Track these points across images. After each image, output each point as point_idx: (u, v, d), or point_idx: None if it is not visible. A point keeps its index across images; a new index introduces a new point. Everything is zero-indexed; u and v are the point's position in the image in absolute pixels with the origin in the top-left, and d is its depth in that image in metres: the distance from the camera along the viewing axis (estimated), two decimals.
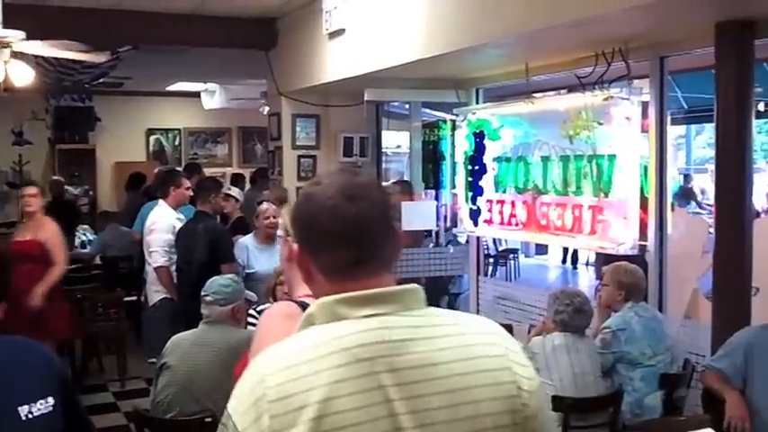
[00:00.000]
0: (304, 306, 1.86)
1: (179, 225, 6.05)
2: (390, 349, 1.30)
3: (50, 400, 1.73)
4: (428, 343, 1.32)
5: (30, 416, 1.69)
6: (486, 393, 1.32)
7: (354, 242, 1.36)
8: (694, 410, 4.18)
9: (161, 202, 6.36)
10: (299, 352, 1.31)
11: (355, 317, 1.32)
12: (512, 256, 11.82)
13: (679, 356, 4.47)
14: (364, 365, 1.28)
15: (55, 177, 11.04)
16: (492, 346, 1.38)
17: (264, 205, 6.08)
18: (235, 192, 7.60)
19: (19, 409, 1.68)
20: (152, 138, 13.04)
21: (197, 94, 11.47)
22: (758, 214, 8.22)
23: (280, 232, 2.26)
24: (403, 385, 1.28)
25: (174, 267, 5.99)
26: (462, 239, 7.43)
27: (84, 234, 9.73)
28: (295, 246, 1.45)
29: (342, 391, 1.26)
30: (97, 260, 8.67)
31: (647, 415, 4.11)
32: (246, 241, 5.99)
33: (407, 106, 7.93)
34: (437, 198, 8.81)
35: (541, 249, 13.49)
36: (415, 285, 1.39)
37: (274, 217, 5.89)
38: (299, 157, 7.75)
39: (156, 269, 6.08)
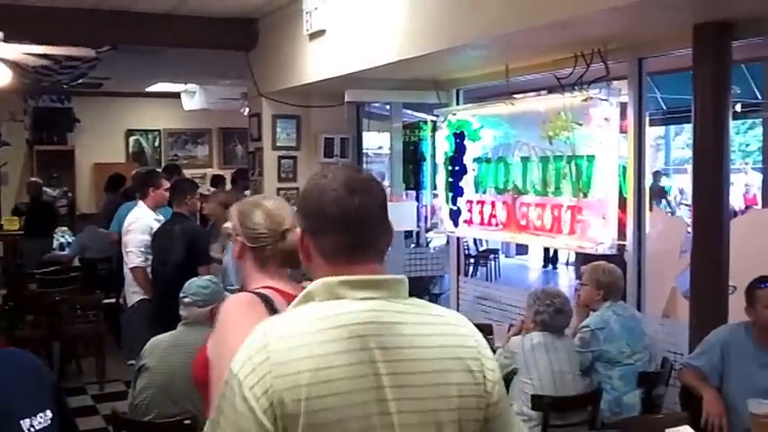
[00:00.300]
0: (261, 296, 2.12)
1: (157, 226, 6.02)
2: (382, 329, 1.47)
3: (48, 414, 1.71)
4: (413, 328, 1.50)
5: (32, 429, 1.67)
6: (456, 377, 1.51)
7: (353, 230, 1.53)
8: (673, 408, 4.21)
9: (140, 202, 6.33)
10: (302, 323, 1.47)
11: (353, 298, 1.49)
12: (492, 256, 11.87)
13: (657, 355, 4.51)
14: (359, 341, 1.45)
15: (33, 179, 10.94)
16: (465, 338, 1.57)
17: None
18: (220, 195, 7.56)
19: (21, 422, 1.66)
20: (131, 139, 12.96)
21: (177, 95, 11.41)
22: (735, 214, 8.30)
23: (230, 231, 2.38)
24: (391, 362, 1.46)
25: (150, 269, 5.96)
26: (442, 241, 7.45)
27: (63, 236, 9.66)
28: (298, 230, 1.62)
29: (337, 362, 1.43)
30: (76, 262, 8.61)
31: (625, 413, 4.13)
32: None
33: (388, 107, 7.94)
34: (418, 199, 8.81)
35: (522, 250, 13.55)
36: (403, 276, 1.57)
37: None
38: (280, 157, 7.73)
39: (131, 269, 6.06)
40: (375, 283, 1.52)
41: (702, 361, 3.85)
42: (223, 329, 2.08)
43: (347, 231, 1.53)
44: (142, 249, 6.00)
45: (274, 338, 1.45)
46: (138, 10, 6.97)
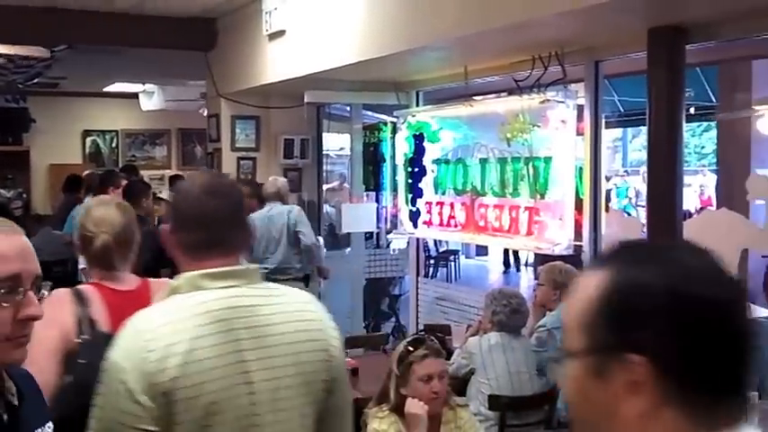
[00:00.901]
0: (76, 291, 2.40)
1: None
2: (242, 312, 1.72)
3: (50, 425, 1.71)
4: (269, 308, 1.77)
5: None
6: (306, 347, 1.79)
7: (210, 228, 1.77)
8: None
9: None
10: (170, 312, 1.71)
11: (214, 287, 1.73)
12: (452, 257, 11.92)
13: None
14: (223, 324, 1.70)
15: None
16: (312, 313, 1.86)
17: None
18: (167, 195, 7.47)
19: None
20: (88, 139, 12.76)
21: (135, 96, 11.28)
22: (690, 214, 8.43)
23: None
24: (253, 338, 1.72)
25: None
26: (402, 243, 7.46)
27: None
28: (166, 227, 1.85)
29: (204, 343, 1.67)
30: None
31: None
32: None
33: (348, 108, 7.93)
34: (378, 200, 8.81)
35: (482, 250, 13.62)
36: (255, 266, 1.87)
37: None
38: (239, 159, 7.68)
39: (81, 270, 5.95)
40: (232, 274, 1.75)
41: None
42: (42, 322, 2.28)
43: (205, 229, 1.77)
44: None
45: (146, 327, 1.67)
46: (94, 9, 6.88)
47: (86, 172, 9.72)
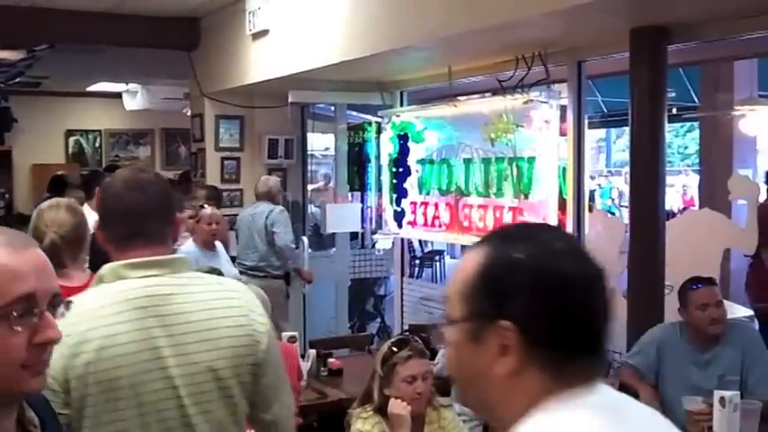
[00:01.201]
0: None
1: None
2: (158, 300, 1.81)
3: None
4: (185, 297, 1.85)
5: None
6: (226, 332, 1.87)
7: (131, 221, 1.88)
8: None
9: (86, 204, 6.19)
10: (91, 301, 1.80)
11: (134, 277, 1.82)
12: (438, 257, 11.92)
13: None
14: (140, 311, 1.79)
15: None
16: (237, 300, 1.94)
17: (208, 210, 5.87)
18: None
19: None
20: (71, 139, 12.67)
21: (118, 95, 11.21)
22: (673, 215, 8.48)
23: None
24: (166, 326, 1.81)
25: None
26: (387, 243, 7.46)
27: None
28: (95, 222, 2.00)
29: (121, 329, 1.77)
30: None
31: None
32: (191, 249, 5.60)
33: (333, 108, 7.92)
34: (363, 200, 8.80)
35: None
36: (183, 256, 2.01)
37: (217, 223, 5.74)
38: (223, 158, 7.64)
39: None
40: (154, 263, 1.85)
41: (639, 360, 3.92)
42: None
43: (126, 222, 1.88)
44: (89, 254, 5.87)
45: (68, 314, 1.76)
46: (77, 8, 6.83)
47: (56, 173, 9.67)
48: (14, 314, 1.25)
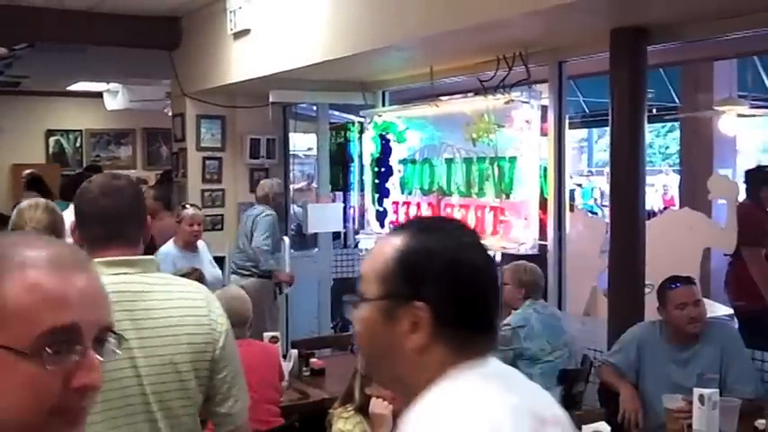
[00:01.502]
0: None
1: None
2: (129, 297, 1.93)
3: None
4: (154, 294, 1.98)
5: None
6: (187, 329, 1.99)
7: (105, 223, 2.03)
8: (593, 405, 4.29)
9: (71, 205, 6.14)
10: None
11: (107, 274, 1.86)
12: None
13: (577, 352, 4.59)
14: (113, 306, 1.73)
15: None
16: (199, 301, 2.06)
17: (190, 210, 5.81)
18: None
19: None
20: (52, 139, 12.58)
21: (99, 95, 11.14)
22: (653, 214, 8.53)
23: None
24: (135, 320, 1.91)
25: None
26: (371, 243, 7.45)
27: None
28: (71, 223, 2.10)
29: None
30: None
31: None
32: (170, 250, 5.58)
33: (315, 108, 7.90)
34: (345, 200, 8.79)
35: None
36: (152, 257, 2.13)
37: (198, 224, 5.72)
38: (205, 158, 7.60)
39: None
40: (126, 263, 1.99)
41: (619, 358, 3.94)
42: None
43: (101, 225, 2.03)
44: None
45: None
46: (56, 6, 6.78)
47: (26, 172, 9.62)
48: (48, 350, 0.99)
